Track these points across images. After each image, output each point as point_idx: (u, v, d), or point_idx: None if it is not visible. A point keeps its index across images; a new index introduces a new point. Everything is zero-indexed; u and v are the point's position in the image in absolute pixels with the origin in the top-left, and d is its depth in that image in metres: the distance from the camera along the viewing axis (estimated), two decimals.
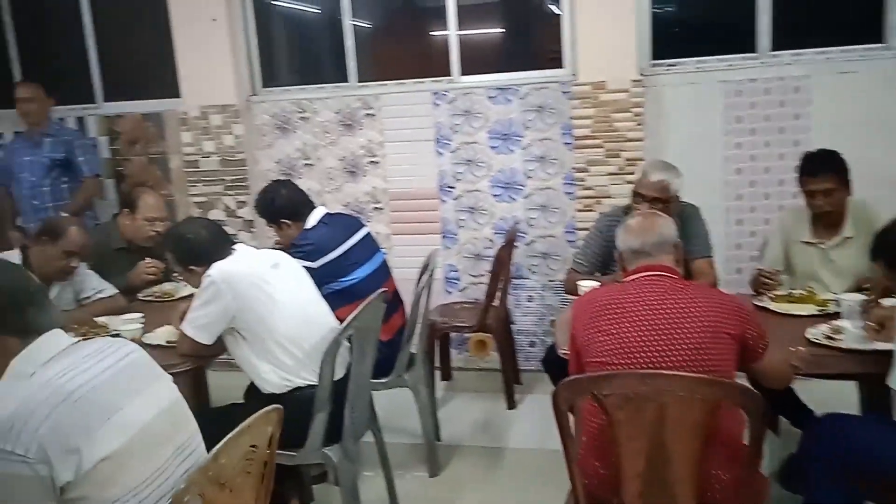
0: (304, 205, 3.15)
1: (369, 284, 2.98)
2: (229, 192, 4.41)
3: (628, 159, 3.90)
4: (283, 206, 3.11)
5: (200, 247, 2.55)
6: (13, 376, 1.57)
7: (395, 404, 3.47)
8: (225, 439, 1.62)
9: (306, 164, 4.40)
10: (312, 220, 3.11)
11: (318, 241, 3.03)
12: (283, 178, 3.79)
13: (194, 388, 2.80)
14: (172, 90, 4.43)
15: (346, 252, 3.05)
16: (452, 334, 4.16)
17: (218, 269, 2.46)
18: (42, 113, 4.23)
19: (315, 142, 4.36)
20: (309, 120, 4.35)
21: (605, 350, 2.00)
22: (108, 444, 1.51)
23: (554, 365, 2.80)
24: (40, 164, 4.22)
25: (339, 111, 4.30)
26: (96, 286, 3.18)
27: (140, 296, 3.40)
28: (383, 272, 3.20)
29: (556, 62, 4.08)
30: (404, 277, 3.46)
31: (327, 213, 3.17)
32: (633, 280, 2.11)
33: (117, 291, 3.23)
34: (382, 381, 3.08)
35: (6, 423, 1.45)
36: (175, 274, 3.14)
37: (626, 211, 3.03)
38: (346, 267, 3.03)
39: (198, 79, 4.32)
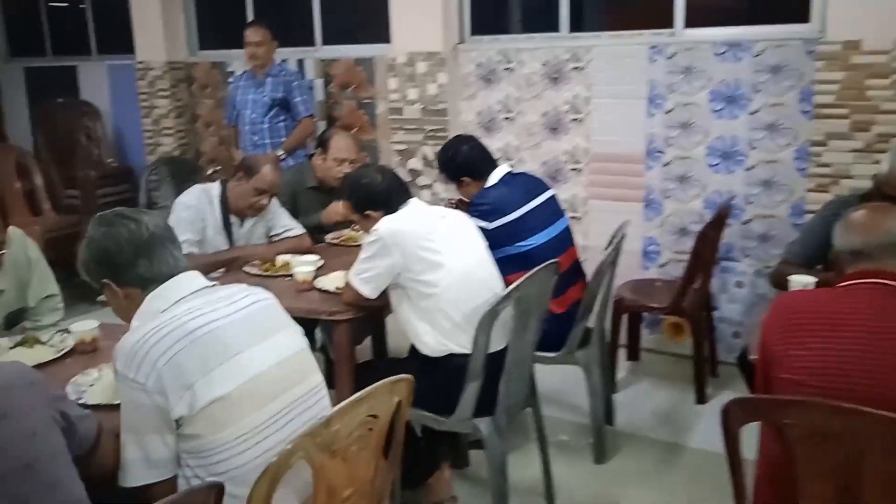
0: (485, 162, 2.98)
1: (546, 252, 2.76)
2: (428, 142, 4.36)
3: (880, 134, 3.26)
4: (463, 162, 2.97)
5: (376, 193, 2.50)
6: (145, 311, 1.60)
7: (567, 381, 3.26)
8: (340, 405, 1.54)
9: (506, 118, 4.22)
10: (493, 178, 2.94)
11: (496, 201, 2.85)
12: (470, 134, 3.61)
13: (356, 338, 2.79)
14: (385, 36, 4.43)
15: (524, 215, 2.84)
16: (644, 313, 3.82)
17: (386, 225, 2.39)
18: (267, 55, 4.44)
19: (518, 94, 4.16)
20: (513, 71, 4.15)
21: (799, 367, 1.63)
22: (223, 385, 1.51)
23: (750, 367, 2.42)
24: (262, 102, 4.45)
25: (545, 63, 4.04)
26: (286, 224, 3.28)
27: (328, 238, 3.46)
28: (563, 240, 2.96)
29: (800, 15, 3.50)
30: (598, 245, 3.19)
31: (509, 173, 2.98)
32: (847, 287, 1.70)
33: (305, 231, 3.30)
34: (551, 355, 2.88)
35: (130, 351, 1.49)
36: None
37: (865, 198, 2.51)
38: (522, 231, 2.82)
39: (407, 25, 4.28)
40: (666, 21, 3.78)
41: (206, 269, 2.95)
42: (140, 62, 5.39)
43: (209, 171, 5.15)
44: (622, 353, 3.77)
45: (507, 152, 4.21)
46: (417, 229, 2.39)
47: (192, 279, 1.66)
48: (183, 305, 1.59)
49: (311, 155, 3.77)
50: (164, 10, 5.21)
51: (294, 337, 1.73)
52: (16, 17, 6.33)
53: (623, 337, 3.70)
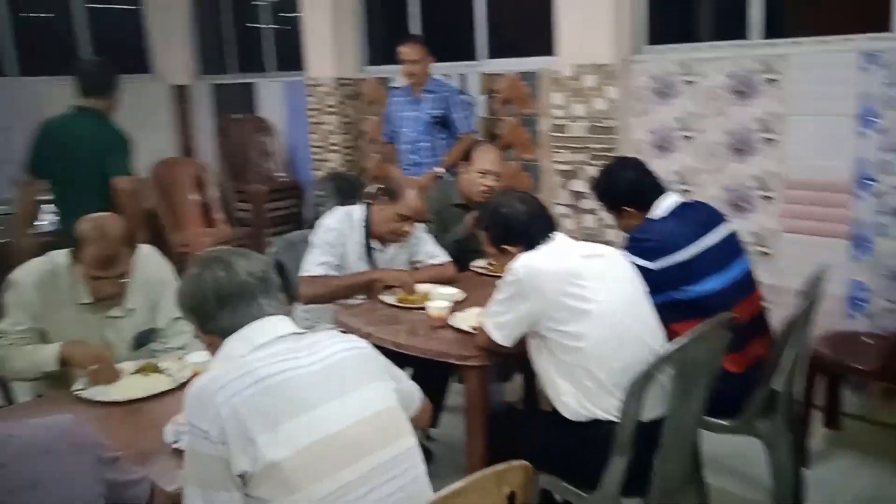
0: (651, 189, 2.55)
1: (721, 299, 2.31)
2: (593, 162, 3.97)
3: None
4: (626, 189, 2.56)
5: (515, 224, 2.20)
6: (224, 356, 1.44)
7: (743, 445, 2.75)
8: (436, 496, 1.25)
9: (685, 137, 3.73)
10: (661, 209, 2.51)
11: (662, 236, 2.42)
12: (635, 156, 3.19)
13: (504, 375, 2.48)
14: (550, 48, 4.11)
15: (696, 255, 2.38)
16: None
17: (525, 263, 2.08)
18: (423, 72, 4.28)
19: (698, 111, 3.66)
20: (694, 84, 3.66)
21: None
22: (290, 442, 1.29)
23: None
24: (420, 120, 4.30)
25: (732, 75, 3.52)
26: (430, 251, 3.06)
27: (474, 265, 3.20)
28: (744, 286, 2.46)
29: None
30: (791, 287, 2.67)
31: (681, 203, 2.53)
32: None
33: (449, 260, 3.06)
34: (724, 423, 2.41)
35: (196, 396, 1.32)
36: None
37: None
38: (693, 273, 2.37)
39: (575, 35, 3.92)
40: (881, 23, 3.14)
41: (343, 293, 2.81)
42: (310, 78, 5.45)
43: (371, 189, 5.08)
44: (818, 418, 3.16)
45: (684, 176, 3.73)
46: (562, 270, 2.05)
47: (277, 323, 1.47)
48: (262, 351, 1.40)
49: (459, 172, 3.55)
50: (334, 26, 5.23)
51: (385, 392, 1.48)
52: (205, 38, 6.70)
53: (819, 398, 3.10)
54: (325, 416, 1.35)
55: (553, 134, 4.17)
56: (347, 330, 2.60)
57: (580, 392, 2.03)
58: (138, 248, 2.31)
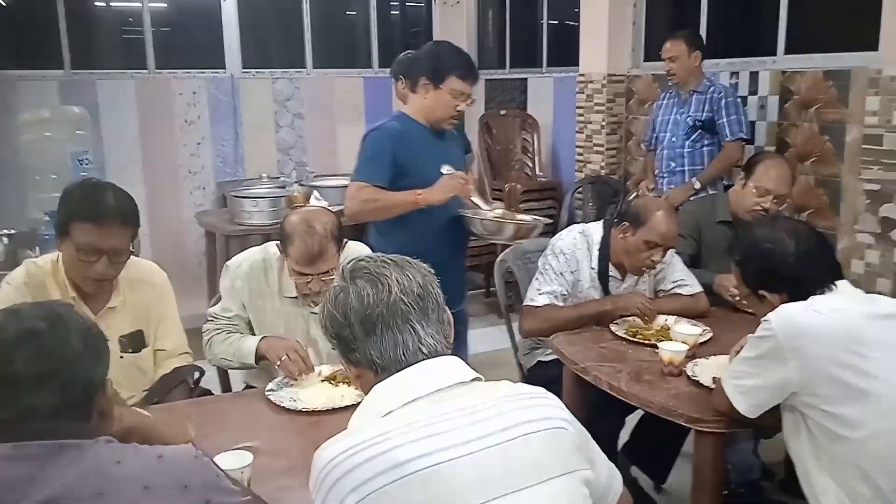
0: None
1: None
2: None
3: None
4: None
5: (779, 266, 1.70)
6: (367, 409, 1.15)
7: None
8: None
9: None
10: None
11: None
12: None
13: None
14: (868, 40, 3.34)
15: None
16: None
17: (786, 316, 1.58)
18: (685, 71, 3.77)
19: None
20: None
21: None
22: None
23: None
24: (683, 123, 3.80)
25: None
26: (679, 278, 2.59)
27: (730, 293, 2.65)
28: None
29: None
30: None
31: None
32: None
33: (700, 290, 2.57)
34: None
35: (322, 468, 1.07)
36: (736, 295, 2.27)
37: None
38: None
39: None
40: None
41: (573, 324, 2.46)
42: (581, 74, 5.13)
43: (632, 196, 4.64)
44: None
45: None
46: (837, 331, 1.53)
47: (433, 373, 1.15)
48: (409, 413, 1.10)
49: (730, 185, 2.99)
50: (611, 19, 4.84)
51: (573, 492, 1.11)
52: (483, 32, 6.68)
53: None
54: None
55: (865, 146, 3.39)
56: (561, 357, 2.27)
57: (849, 498, 1.50)
58: (346, 244, 2.18)
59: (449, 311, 1.23)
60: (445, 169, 2.52)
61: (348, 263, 1.23)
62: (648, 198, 3.12)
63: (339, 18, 6.56)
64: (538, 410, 1.15)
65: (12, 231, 2.93)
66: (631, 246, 2.44)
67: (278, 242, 2.13)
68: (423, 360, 1.15)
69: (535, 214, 5.00)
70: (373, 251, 2.12)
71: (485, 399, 1.13)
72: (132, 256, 1.99)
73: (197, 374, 2.11)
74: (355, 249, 2.23)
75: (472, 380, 1.17)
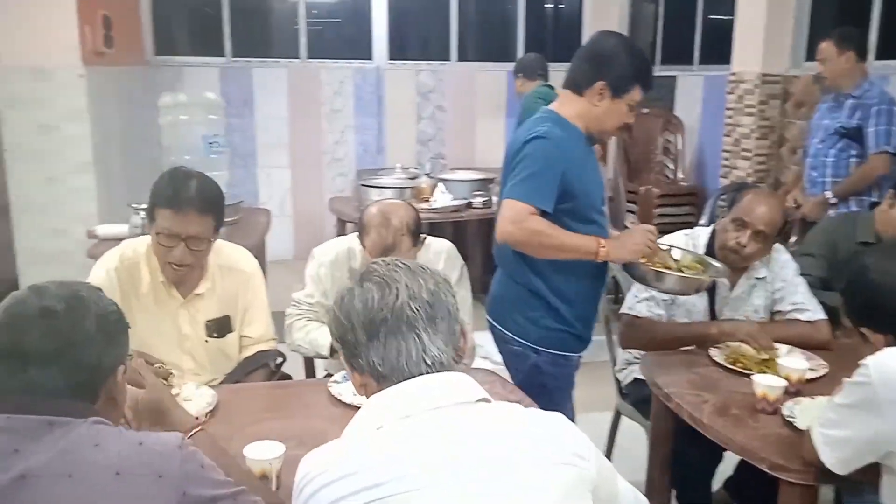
0: None
1: None
2: None
3: None
4: None
5: (885, 301, 1.48)
6: (360, 422, 1.11)
7: None
8: None
9: None
10: None
11: None
12: None
13: None
14: None
15: None
16: None
17: (887, 363, 1.39)
18: (834, 72, 3.39)
19: None
20: None
21: None
22: None
23: None
24: (831, 129, 3.42)
25: None
26: (799, 301, 2.31)
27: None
28: None
29: None
30: None
31: None
32: None
33: (823, 318, 2.29)
34: None
35: (297, 481, 1.05)
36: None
37: None
38: None
39: None
40: None
41: (670, 345, 2.28)
42: (732, 73, 4.76)
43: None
44: None
45: None
46: None
47: (434, 389, 1.07)
48: (401, 430, 1.04)
49: (875, 203, 2.66)
50: (769, 14, 4.45)
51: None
52: (638, 27, 6.39)
53: None
54: None
55: None
56: (646, 378, 2.10)
57: None
58: (425, 240, 2.14)
59: (465, 323, 1.16)
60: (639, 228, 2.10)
61: (365, 264, 1.18)
62: (758, 191, 2.85)
63: (486, 10, 6.53)
64: (547, 443, 1.05)
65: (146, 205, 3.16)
66: (720, 227, 2.28)
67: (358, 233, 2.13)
68: (426, 373, 1.09)
69: (672, 221, 4.76)
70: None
71: (486, 425, 1.05)
72: (226, 243, 2.05)
73: (280, 360, 2.15)
74: (436, 247, 2.18)
75: (478, 401, 1.09)
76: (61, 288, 1.13)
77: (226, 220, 3.25)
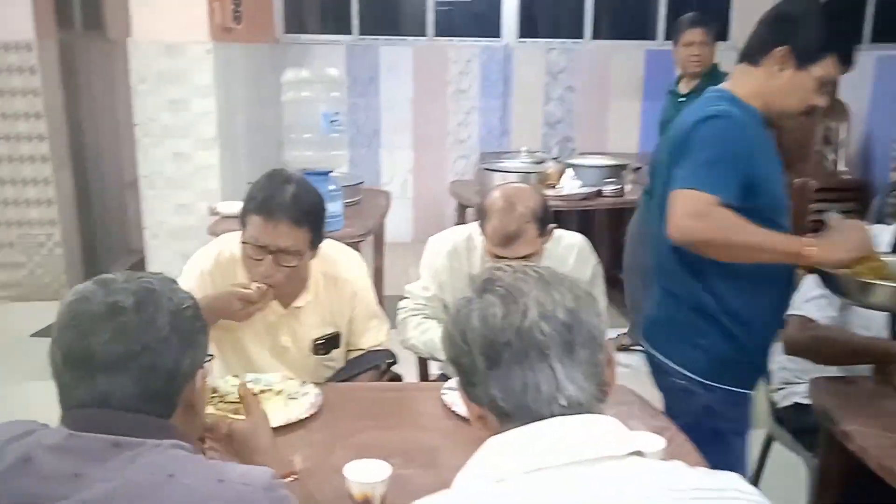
0: None
1: None
2: None
3: None
4: None
5: None
6: (476, 469, 0.86)
7: None
8: None
9: None
10: None
11: None
12: None
13: None
14: None
15: None
16: None
17: None
18: None
19: None
20: None
21: None
22: None
23: None
24: None
25: None
26: None
27: None
28: None
29: None
30: None
31: None
32: None
33: None
34: None
35: None
36: None
37: None
38: None
39: None
40: None
41: (846, 358, 1.90)
42: None
43: None
44: None
45: None
46: None
47: (572, 435, 0.82)
48: (529, 487, 0.79)
49: None
50: None
51: None
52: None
53: None
54: None
55: None
56: (816, 405, 1.75)
57: None
58: (558, 234, 1.87)
59: (610, 349, 0.89)
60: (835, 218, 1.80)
61: (486, 271, 0.94)
62: None
63: None
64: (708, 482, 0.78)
65: None
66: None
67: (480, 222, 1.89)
68: (562, 414, 0.83)
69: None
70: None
71: (639, 489, 0.78)
72: (329, 243, 1.84)
73: (391, 360, 1.96)
74: (568, 240, 1.92)
75: (629, 454, 0.82)
76: (130, 280, 0.96)
77: (346, 201, 3.17)
